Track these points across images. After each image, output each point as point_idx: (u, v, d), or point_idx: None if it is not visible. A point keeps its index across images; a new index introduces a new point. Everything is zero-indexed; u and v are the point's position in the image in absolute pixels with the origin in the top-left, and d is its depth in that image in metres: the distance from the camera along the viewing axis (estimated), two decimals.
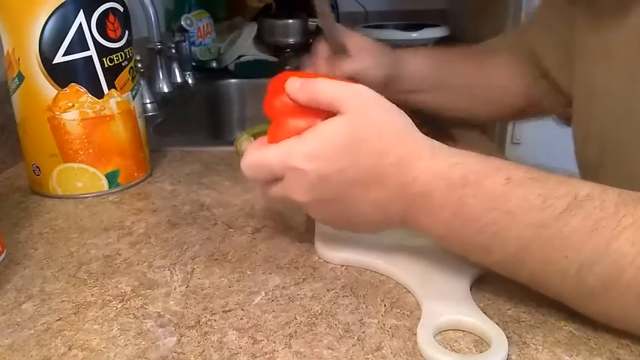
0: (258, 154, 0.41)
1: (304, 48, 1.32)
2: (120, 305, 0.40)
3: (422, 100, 0.71)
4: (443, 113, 0.73)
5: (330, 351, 0.34)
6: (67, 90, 0.55)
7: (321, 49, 0.67)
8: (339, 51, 0.66)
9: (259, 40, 1.32)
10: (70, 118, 0.56)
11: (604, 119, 0.53)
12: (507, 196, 0.34)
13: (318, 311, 0.38)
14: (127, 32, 0.59)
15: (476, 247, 0.36)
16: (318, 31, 1.37)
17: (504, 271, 0.37)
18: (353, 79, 0.63)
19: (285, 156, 0.39)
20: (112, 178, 0.60)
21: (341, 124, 0.38)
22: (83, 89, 0.56)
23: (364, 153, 0.37)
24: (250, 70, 1.25)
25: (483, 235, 0.35)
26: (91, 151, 0.58)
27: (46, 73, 0.54)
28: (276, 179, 0.40)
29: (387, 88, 0.68)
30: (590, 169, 0.56)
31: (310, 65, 0.68)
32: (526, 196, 0.34)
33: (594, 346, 0.34)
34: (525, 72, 0.68)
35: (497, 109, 0.73)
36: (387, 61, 0.68)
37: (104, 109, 0.57)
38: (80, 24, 0.54)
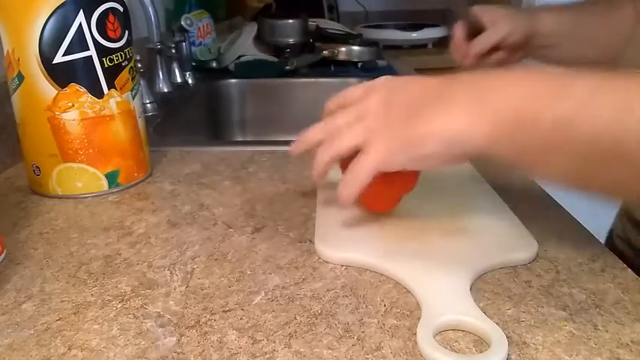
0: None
1: (304, 48, 1.33)
2: (120, 305, 0.40)
3: (556, 55, 0.73)
4: (569, 65, 0.74)
5: (330, 351, 0.34)
6: (67, 90, 0.55)
7: (459, 30, 0.73)
8: (476, 28, 0.70)
9: (259, 40, 1.32)
10: (70, 118, 0.56)
11: None
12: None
13: (317, 311, 0.38)
14: (127, 32, 0.59)
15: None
16: (318, 31, 1.37)
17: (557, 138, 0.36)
18: (499, 48, 0.70)
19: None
20: (111, 178, 0.60)
21: None
22: (83, 89, 0.56)
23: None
24: (250, 70, 1.25)
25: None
26: (90, 151, 0.58)
27: (46, 73, 0.54)
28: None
29: (528, 45, 0.71)
30: None
31: (452, 48, 0.74)
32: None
33: (594, 346, 0.34)
34: None
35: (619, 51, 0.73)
36: (522, 24, 0.71)
37: (104, 109, 0.57)
38: (80, 24, 0.54)
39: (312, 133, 0.47)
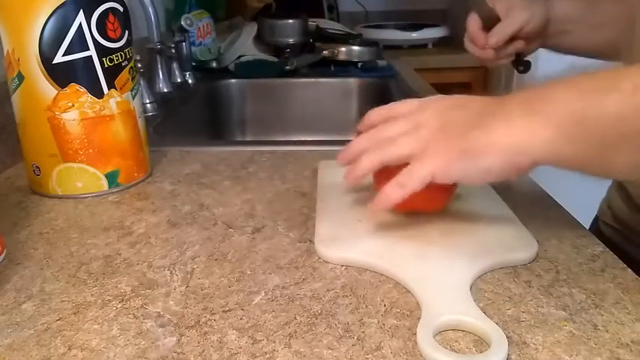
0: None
1: (304, 48, 1.33)
2: (120, 305, 0.40)
3: (570, 41, 0.72)
4: (584, 52, 0.74)
5: (330, 351, 0.34)
6: (67, 90, 0.55)
7: (473, 21, 0.71)
8: (490, 18, 0.69)
9: (259, 40, 1.32)
10: (70, 118, 0.56)
11: None
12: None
13: (317, 311, 0.38)
14: (127, 32, 0.59)
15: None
16: (318, 31, 1.37)
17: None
18: (516, 38, 0.68)
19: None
20: (111, 178, 0.60)
21: None
22: (83, 89, 0.56)
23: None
24: (250, 70, 1.25)
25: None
26: (90, 151, 0.58)
27: (46, 73, 0.54)
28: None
29: (544, 33, 0.70)
30: None
31: (467, 40, 0.72)
32: None
33: (594, 346, 0.34)
34: None
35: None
36: (538, 12, 0.69)
37: (104, 109, 0.57)
38: (80, 24, 0.54)
39: (359, 141, 0.46)
